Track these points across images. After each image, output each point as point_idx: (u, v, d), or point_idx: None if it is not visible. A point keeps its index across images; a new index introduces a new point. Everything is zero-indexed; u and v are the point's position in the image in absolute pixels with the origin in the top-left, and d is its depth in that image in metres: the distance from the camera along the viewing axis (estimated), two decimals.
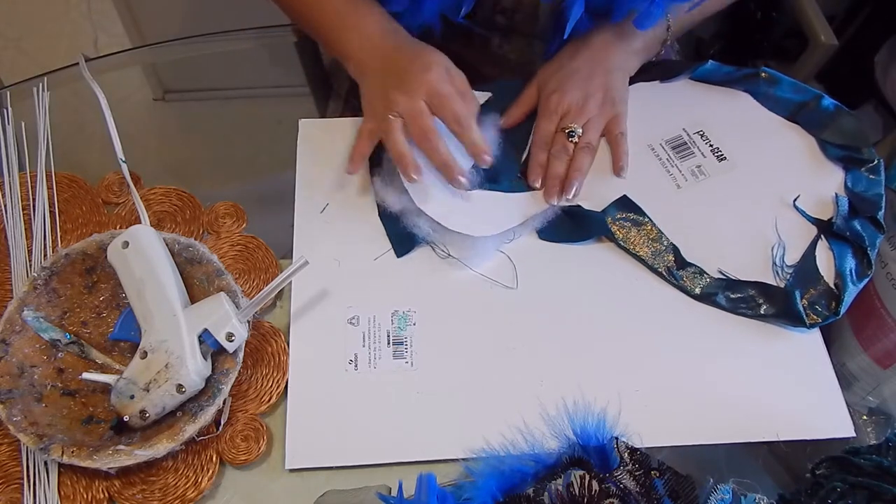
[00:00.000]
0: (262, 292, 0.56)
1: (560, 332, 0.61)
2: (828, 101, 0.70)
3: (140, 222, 0.60)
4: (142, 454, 0.50)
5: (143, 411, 0.52)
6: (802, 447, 0.56)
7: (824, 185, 0.67)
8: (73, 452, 0.50)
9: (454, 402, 0.57)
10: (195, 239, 0.60)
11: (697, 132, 0.70)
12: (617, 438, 0.53)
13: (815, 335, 0.61)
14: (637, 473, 0.52)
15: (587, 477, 0.52)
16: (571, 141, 0.66)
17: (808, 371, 0.60)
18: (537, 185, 0.66)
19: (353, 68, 0.67)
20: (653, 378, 0.59)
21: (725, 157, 0.69)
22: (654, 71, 0.74)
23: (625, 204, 0.65)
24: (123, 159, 0.64)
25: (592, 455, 0.52)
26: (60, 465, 0.53)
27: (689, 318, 0.62)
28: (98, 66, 0.74)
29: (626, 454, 0.53)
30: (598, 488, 0.51)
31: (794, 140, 0.70)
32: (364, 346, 0.59)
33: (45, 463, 0.53)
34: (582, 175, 0.66)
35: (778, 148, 0.70)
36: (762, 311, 0.61)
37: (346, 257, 0.64)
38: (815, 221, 0.65)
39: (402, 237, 0.64)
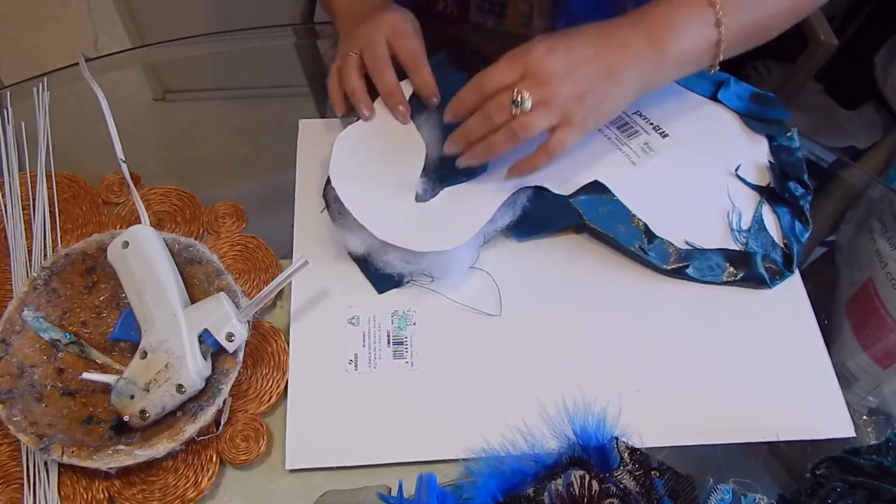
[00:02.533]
0: (262, 292, 0.56)
1: (560, 332, 0.61)
2: (739, 84, 0.74)
3: (140, 222, 0.60)
4: (142, 454, 0.50)
5: (143, 411, 0.52)
6: (802, 447, 0.56)
7: (757, 153, 0.71)
8: (73, 452, 0.50)
9: (454, 402, 0.57)
10: (195, 239, 0.60)
11: (635, 112, 0.71)
12: (617, 438, 0.53)
13: (816, 335, 0.61)
14: (637, 473, 0.52)
15: (587, 477, 0.52)
16: (513, 109, 0.55)
17: (808, 371, 0.60)
18: (448, 117, 0.59)
19: (337, 21, 0.70)
20: (653, 378, 0.59)
21: (667, 134, 0.70)
22: None
23: (593, 188, 0.65)
24: (123, 159, 0.64)
25: (592, 455, 0.52)
26: (60, 465, 0.53)
27: (689, 319, 0.62)
28: (98, 66, 0.73)
29: (626, 454, 0.53)
30: (598, 488, 0.51)
31: (721, 115, 0.73)
32: (364, 346, 0.59)
33: (45, 463, 0.53)
34: (490, 155, 0.57)
35: (709, 123, 0.72)
36: (727, 277, 0.63)
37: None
38: (757, 188, 0.68)
39: (380, 278, 0.62)
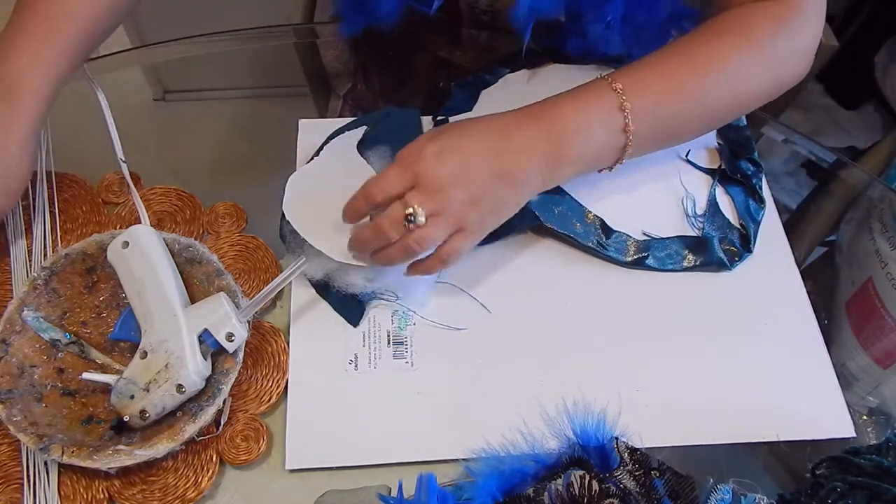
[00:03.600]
0: (261, 292, 0.56)
1: (560, 332, 0.61)
2: None
3: (140, 222, 0.60)
4: (142, 454, 0.50)
5: (143, 411, 0.52)
6: (802, 447, 0.57)
7: (705, 138, 0.70)
8: (73, 452, 0.50)
9: (454, 402, 0.57)
10: (195, 239, 0.60)
11: None
12: (617, 438, 0.53)
13: (816, 335, 0.61)
14: (637, 473, 0.52)
15: (587, 477, 0.52)
16: (406, 224, 0.51)
17: (808, 371, 0.60)
18: (345, 220, 0.56)
19: None
20: (653, 378, 0.59)
21: None
22: (518, 62, 0.75)
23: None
24: (123, 159, 0.64)
25: (592, 455, 0.52)
26: (60, 465, 0.53)
27: (689, 319, 0.62)
28: (98, 66, 0.73)
29: (626, 454, 0.53)
30: (598, 488, 0.51)
31: None
32: (364, 346, 0.59)
33: (45, 463, 0.53)
34: (390, 265, 0.55)
35: None
36: (687, 264, 0.63)
37: None
38: (709, 170, 0.69)
39: (347, 304, 0.60)
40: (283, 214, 0.60)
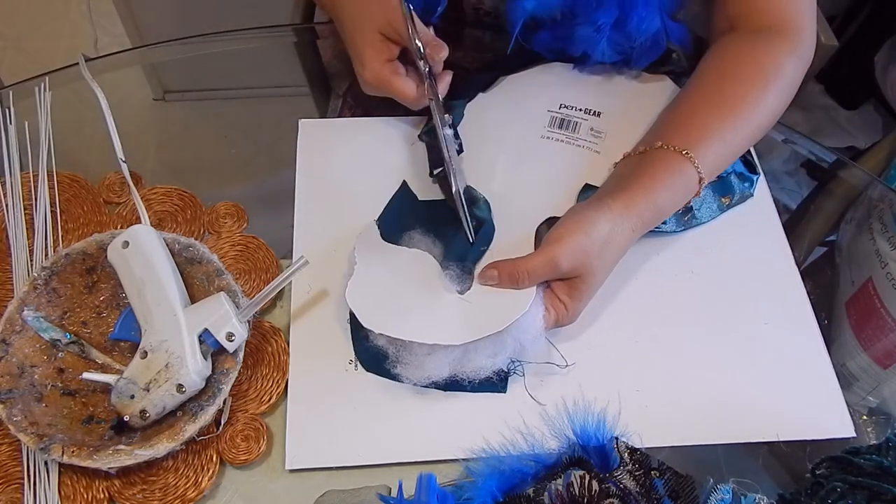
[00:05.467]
0: (262, 292, 0.56)
1: (560, 332, 0.61)
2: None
3: (141, 222, 0.60)
4: (142, 454, 0.50)
5: (143, 411, 0.52)
6: (802, 447, 0.57)
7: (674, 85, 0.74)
8: (73, 452, 0.50)
9: (454, 402, 0.57)
10: (196, 239, 0.60)
11: (561, 106, 0.72)
12: (617, 438, 0.53)
13: (816, 335, 0.61)
14: (637, 473, 0.52)
15: (587, 477, 0.52)
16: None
17: (808, 371, 0.60)
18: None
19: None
20: (653, 378, 0.59)
21: (600, 112, 0.71)
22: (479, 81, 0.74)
23: (588, 191, 0.65)
24: (123, 159, 0.64)
25: (592, 455, 0.52)
26: (60, 465, 0.53)
27: (689, 319, 0.62)
28: (98, 66, 0.73)
29: (626, 454, 0.53)
30: (598, 488, 0.51)
31: (652, 85, 0.74)
32: None
33: (46, 463, 0.53)
34: None
35: (625, 87, 0.73)
36: (723, 206, 0.67)
37: (347, 258, 0.63)
38: None
39: (488, 385, 0.57)
40: (366, 336, 0.57)
